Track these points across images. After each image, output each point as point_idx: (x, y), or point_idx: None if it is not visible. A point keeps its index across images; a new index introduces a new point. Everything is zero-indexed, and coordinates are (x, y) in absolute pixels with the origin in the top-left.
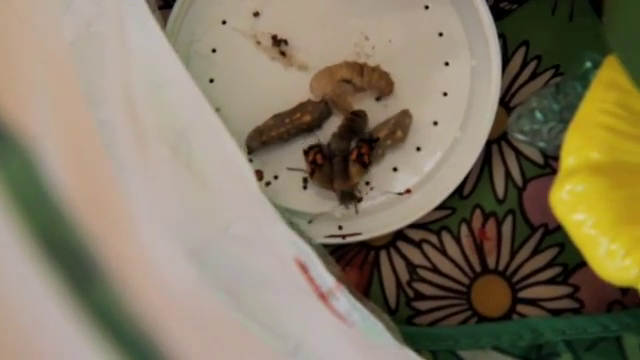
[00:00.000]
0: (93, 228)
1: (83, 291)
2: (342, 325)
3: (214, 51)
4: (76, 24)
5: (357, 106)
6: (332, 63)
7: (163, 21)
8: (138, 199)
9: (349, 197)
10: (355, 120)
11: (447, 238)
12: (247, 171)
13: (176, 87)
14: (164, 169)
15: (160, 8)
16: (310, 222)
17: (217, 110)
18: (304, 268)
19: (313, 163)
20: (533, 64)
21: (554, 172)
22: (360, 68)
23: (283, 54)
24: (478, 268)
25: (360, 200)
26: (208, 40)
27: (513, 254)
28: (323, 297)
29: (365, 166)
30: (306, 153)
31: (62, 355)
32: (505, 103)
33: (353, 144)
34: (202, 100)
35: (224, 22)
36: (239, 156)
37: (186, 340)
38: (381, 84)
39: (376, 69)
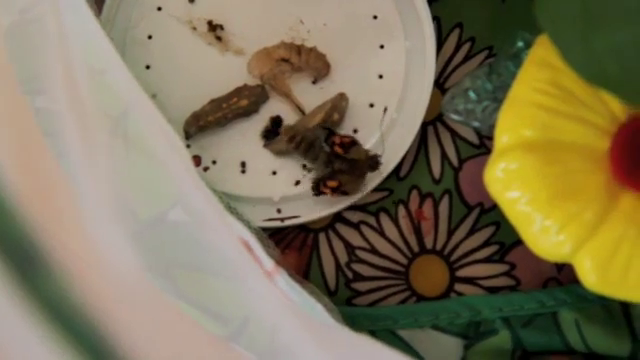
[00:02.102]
0: (36, 219)
1: (28, 282)
2: (288, 302)
3: (150, 37)
4: (10, 11)
5: (294, 88)
6: None
7: (98, 8)
8: (81, 186)
9: (375, 162)
10: (299, 140)
11: (385, 219)
12: (185, 156)
13: (112, 74)
14: (106, 155)
15: None
16: (279, 211)
17: (154, 96)
18: (249, 247)
19: (336, 189)
20: (467, 46)
21: (489, 152)
22: (297, 48)
23: (219, 39)
24: (416, 248)
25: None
26: (144, 27)
27: (450, 234)
28: (269, 275)
29: (354, 142)
30: (319, 193)
31: (10, 347)
32: (440, 85)
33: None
34: (137, 87)
35: (159, 8)
36: (176, 142)
37: (132, 328)
38: (318, 64)
39: (313, 50)
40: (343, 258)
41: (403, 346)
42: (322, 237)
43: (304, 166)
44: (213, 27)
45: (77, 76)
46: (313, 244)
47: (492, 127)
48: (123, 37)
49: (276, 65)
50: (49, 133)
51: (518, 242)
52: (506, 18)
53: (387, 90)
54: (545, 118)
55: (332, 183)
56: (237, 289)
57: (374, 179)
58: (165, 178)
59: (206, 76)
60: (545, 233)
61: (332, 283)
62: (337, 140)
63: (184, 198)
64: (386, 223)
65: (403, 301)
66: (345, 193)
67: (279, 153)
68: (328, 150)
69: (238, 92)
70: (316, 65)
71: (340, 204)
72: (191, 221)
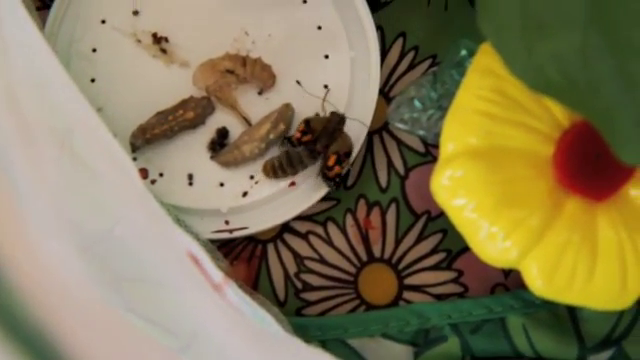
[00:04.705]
0: None
1: None
2: (237, 315)
3: (94, 51)
4: None
5: (240, 99)
6: None
7: (42, 22)
8: (27, 199)
9: (340, 117)
10: (278, 164)
11: (333, 229)
12: (131, 170)
13: (57, 88)
14: (52, 168)
15: (38, 9)
16: (228, 221)
17: (99, 110)
18: (196, 261)
19: (339, 160)
20: (411, 54)
21: (435, 160)
22: (242, 59)
23: (164, 52)
24: (364, 257)
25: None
26: (88, 40)
27: (398, 242)
28: (217, 288)
29: (307, 121)
30: (337, 183)
31: None
32: (385, 94)
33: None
34: (83, 100)
35: (103, 21)
36: (122, 155)
37: (81, 340)
38: (263, 76)
39: (258, 61)
40: (292, 268)
41: (354, 355)
42: (271, 248)
43: (251, 177)
44: (158, 39)
45: (21, 91)
46: (262, 255)
47: (437, 135)
48: (67, 51)
49: (221, 77)
50: None
51: (465, 249)
52: (449, 26)
53: (333, 100)
54: (489, 125)
55: (331, 160)
56: (185, 303)
57: (322, 188)
58: (111, 192)
59: (152, 88)
60: (492, 240)
61: (281, 294)
62: (297, 135)
63: (131, 212)
64: (334, 233)
65: (353, 310)
66: (348, 154)
67: (226, 164)
68: (300, 148)
69: (184, 104)
70: (261, 76)
71: (288, 214)
72: (138, 235)
